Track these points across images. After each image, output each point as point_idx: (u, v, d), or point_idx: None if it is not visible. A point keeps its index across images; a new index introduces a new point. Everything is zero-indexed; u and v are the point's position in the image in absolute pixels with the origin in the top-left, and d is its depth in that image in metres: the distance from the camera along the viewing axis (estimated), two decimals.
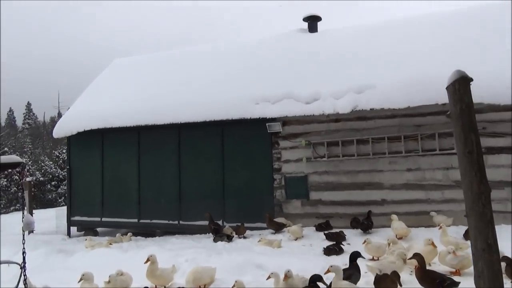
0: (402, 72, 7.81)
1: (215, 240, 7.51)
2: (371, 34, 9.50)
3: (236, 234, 7.71)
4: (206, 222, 8.18)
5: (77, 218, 10.26)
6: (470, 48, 7.84)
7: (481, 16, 8.76)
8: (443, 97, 6.61)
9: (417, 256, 4.23)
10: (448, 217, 7.15)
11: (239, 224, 7.88)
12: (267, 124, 8.46)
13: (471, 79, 2.15)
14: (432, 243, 4.93)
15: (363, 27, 10.02)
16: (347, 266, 4.46)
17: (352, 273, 4.06)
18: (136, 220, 9.58)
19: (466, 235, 6.20)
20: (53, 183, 24.57)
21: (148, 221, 9.44)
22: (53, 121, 43.45)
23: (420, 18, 9.55)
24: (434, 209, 7.52)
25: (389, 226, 6.97)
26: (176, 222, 9.18)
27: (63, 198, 24.14)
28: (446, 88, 2.20)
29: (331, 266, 3.94)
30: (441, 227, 5.78)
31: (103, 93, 10.93)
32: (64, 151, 26.95)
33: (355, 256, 4.16)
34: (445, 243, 5.50)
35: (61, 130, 10.16)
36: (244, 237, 7.69)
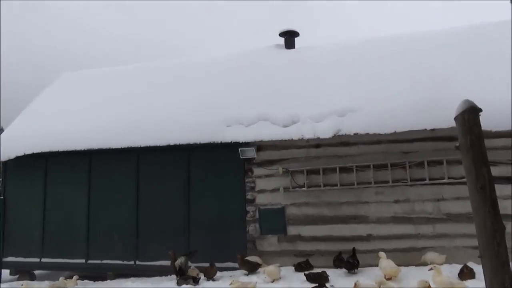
0: (387, 94, 8.00)
1: (178, 283, 7.31)
2: (354, 52, 9.70)
3: (205, 276, 7.51)
4: (167, 262, 7.94)
5: (10, 259, 9.69)
6: (462, 72, 8.10)
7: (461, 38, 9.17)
8: (431, 122, 7.27)
9: None
10: (440, 254, 7.18)
11: (209, 263, 7.67)
12: (239, 149, 8.40)
13: (480, 110, 2.26)
14: (429, 286, 4.98)
15: (345, 44, 10.22)
16: None
17: None
18: (83, 261, 9.23)
19: (461, 275, 6.26)
20: None
21: (99, 261, 9.11)
22: None
23: (408, 36, 9.84)
24: (425, 245, 7.59)
25: (377, 265, 6.90)
26: (132, 262, 8.90)
27: None
28: (455, 119, 2.31)
29: None
30: (433, 268, 5.81)
31: (48, 111, 10.61)
32: None
33: None
34: (439, 283, 5.55)
35: None
36: (213, 279, 7.50)
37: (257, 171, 8.61)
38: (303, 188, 8.26)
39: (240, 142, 8.36)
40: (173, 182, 8.91)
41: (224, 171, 8.70)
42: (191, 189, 8.80)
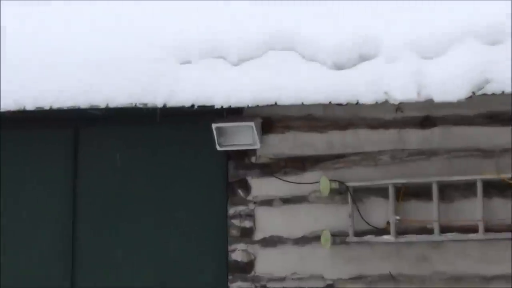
0: None
1: None
2: None
3: None
4: None
5: None
6: None
7: None
8: None
9: None
10: None
11: None
12: (214, 126, 6.89)
13: None
14: None
15: None
16: None
17: None
18: None
19: None
20: None
21: None
22: None
23: None
24: None
25: None
26: None
27: None
28: None
29: None
30: None
31: None
32: None
33: None
34: None
35: None
36: None
37: (260, 185, 7.26)
38: (386, 237, 6.65)
39: (217, 107, 6.68)
40: (35, 201, 7.75)
41: (174, 185, 7.51)
42: (79, 228, 7.55)
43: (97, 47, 7.40)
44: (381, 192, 6.74)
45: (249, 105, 6.66)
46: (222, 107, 6.64)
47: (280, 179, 7.03)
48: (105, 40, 7.50)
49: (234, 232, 7.16)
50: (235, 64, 6.78)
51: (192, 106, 6.64)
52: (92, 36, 7.64)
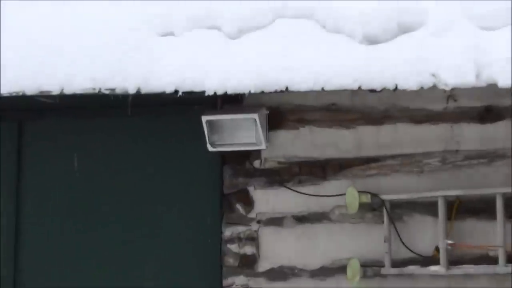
0: None
1: None
2: None
3: None
4: None
5: None
6: None
7: None
8: None
9: None
10: None
11: None
12: (204, 119, 6.62)
13: None
14: None
15: None
16: None
17: None
18: None
19: None
20: None
21: None
22: None
23: None
24: None
25: None
26: None
27: None
28: None
29: None
30: None
31: None
32: None
33: None
34: None
35: None
36: None
37: (266, 199, 6.92)
38: (435, 268, 6.23)
39: (209, 93, 6.14)
40: None
41: (151, 196, 7.13)
42: (22, 232, 7.42)
43: (48, 14, 6.76)
44: (428, 207, 6.29)
45: (252, 91, 6.08)
46: (215, 93, 6.05)
47: (293, 190, 6.56)
48: (59, 6, 6.82)
49: (231, 260, 6.72)
50: (233, 37, 6.32)
51: (176, 92, 6.07)
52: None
